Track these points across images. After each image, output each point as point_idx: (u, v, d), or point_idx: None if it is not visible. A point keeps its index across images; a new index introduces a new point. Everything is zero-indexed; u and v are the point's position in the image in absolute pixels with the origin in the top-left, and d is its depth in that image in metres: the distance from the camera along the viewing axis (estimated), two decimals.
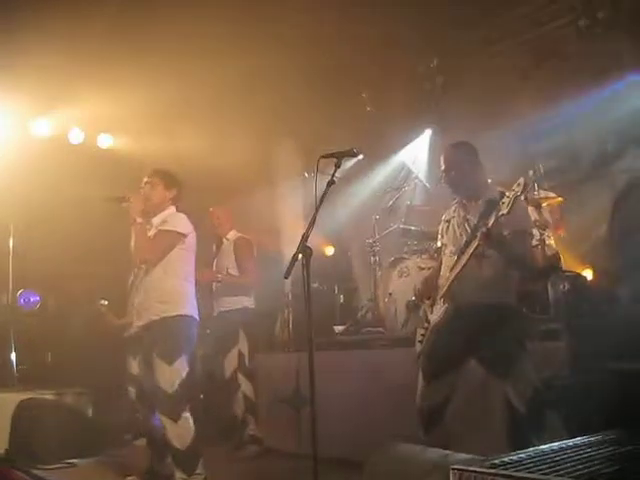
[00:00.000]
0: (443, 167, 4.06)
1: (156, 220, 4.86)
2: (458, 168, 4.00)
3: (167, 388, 4.40)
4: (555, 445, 2.50)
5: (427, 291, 4.20)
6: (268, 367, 6.29)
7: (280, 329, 7.32)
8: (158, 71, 6.57)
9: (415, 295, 4.35)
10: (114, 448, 5.96)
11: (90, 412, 6.22)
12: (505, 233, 3.69)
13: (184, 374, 4.48)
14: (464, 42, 7.35)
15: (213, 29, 6.20)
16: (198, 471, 4.44)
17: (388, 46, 6.99)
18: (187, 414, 4.46)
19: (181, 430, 4.39)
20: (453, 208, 4.16)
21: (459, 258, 3.82)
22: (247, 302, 6.23)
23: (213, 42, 6.26)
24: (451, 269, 3.89)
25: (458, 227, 4.03)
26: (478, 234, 3.65)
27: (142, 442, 6.15)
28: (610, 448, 2.43)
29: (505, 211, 3.51)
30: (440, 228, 4.30)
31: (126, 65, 6.55)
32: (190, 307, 4.72)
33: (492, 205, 3.66)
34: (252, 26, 6.32)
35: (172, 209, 4.93)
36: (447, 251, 4.09)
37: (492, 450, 3.20)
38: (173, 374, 4.43)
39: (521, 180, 3.55)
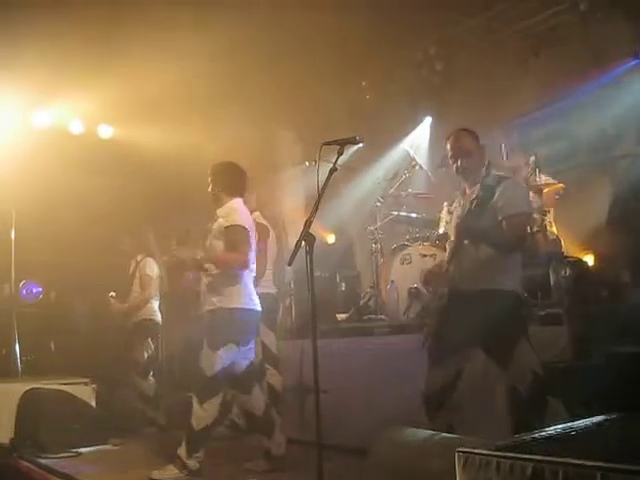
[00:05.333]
0: (450, 153, 4.08)
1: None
2: (465, 154, 4.02)
3: (206, 371, 4.55)
4: (559, 427, 2.52)
5: (432, 278, 4.23)
6: None
7: (282, 317, 7.32)
8: (158, 62, 6.56)
9: (421, 282, 4.38)
10: (119, 437, 5.99)
11: (94, 401, 6.23)
12: (500, 218, 3.77)
13: (227, 363, 4.58)
14: (464, 29, 7.33)
15: (213, 18, 6.20)
16: (198, 454, 4.57)
17: (388, 34, 6.98)
18: (216, 401, 4.57)
19: (203, 414, 4.52)
20: (457, 199, 4.18)
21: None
22: (267, 288, 5.76)
23: (214, 32, 6.24)
24: (452, 255, 3.91)
25: (458, 217, 4.05)
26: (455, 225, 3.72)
27: (151, 430, 6.27)
28: (613, 429, 2.45)
29: (498, 197, 3.59)
30: (443, 216, 4.32)
31: (126, 56, 6.55)
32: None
33: (488, 191, 3.72)
34: (251, 16, 6.31)
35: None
36: (450, 240, 4.12)
37: (497, 434, 3.23)
38: (213, 359, 4.54)
39: (516, 165, 3.60)
